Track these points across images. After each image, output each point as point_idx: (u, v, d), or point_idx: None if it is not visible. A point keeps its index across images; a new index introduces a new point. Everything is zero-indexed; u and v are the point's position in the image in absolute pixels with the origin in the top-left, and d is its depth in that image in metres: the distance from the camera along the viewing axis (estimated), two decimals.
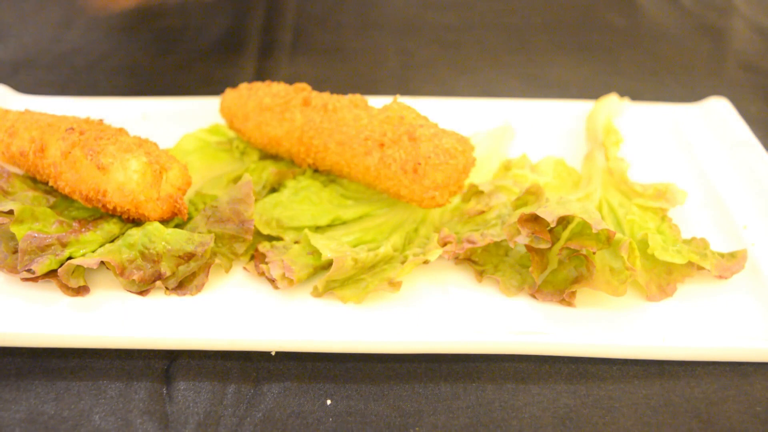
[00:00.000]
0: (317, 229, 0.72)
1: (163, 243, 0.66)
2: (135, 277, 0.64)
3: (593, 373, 0.62)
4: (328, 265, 0.66)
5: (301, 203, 0.73)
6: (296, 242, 0.69)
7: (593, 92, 0.77)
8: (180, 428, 0.57)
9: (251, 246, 0.70)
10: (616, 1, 1.40)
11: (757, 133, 0.90)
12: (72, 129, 0.69)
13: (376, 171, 0.70)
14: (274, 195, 0.74)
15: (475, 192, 0.75)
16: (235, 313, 0.64)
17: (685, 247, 0.69)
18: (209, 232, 0.68)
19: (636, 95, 1.05)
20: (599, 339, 0.62)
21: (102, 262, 0.65)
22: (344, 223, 0.73)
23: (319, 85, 1.11)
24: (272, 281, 0.66)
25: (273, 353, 0.63)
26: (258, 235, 0.71)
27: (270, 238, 0.71)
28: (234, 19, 1.29)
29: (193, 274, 0.66)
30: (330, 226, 0.73)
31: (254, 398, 0.60)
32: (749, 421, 0.59)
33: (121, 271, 0.64)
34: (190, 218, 0.71)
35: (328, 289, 0.66)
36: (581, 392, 0.61)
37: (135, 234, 0.67)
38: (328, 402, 0.60)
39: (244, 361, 0.63)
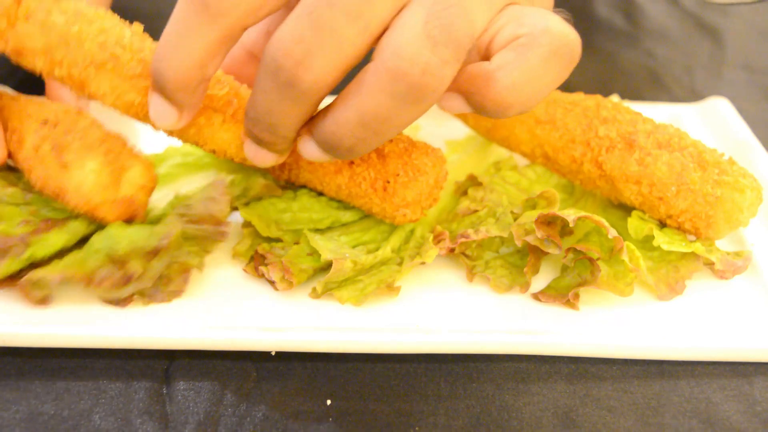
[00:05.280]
0: (316, 231, 0.72)
1: (127, 242, 0.63)
2: (105, 284, 0.61)
3: (593, 373, 0.62)
4: (328, 266, 0.66)
5: (300, 207, 0.73)
6: (296, 243, 0.69)
7: (593, 92, 0.77)
8: (180, 428, 0.57)
9: (251, 247, 0.70)
10: (617, 1, 1.40)
11: (757, 133, 0.90)
12: (46, 122, 0.65)
13: (348, 189, 0.69)
14: (274, 199, 0.74)
15: (474, 183, 0.75)
16: (235, 314, 0.64)
17: (691, 243, 0.69)
18: (182, 232, 0.65)
19: (636, 95, 1.06)
20: (599, 339, 0.62)
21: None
22: (344, 224, 0.73)
23: None
24: (272, 283, 0.66)
25: (273, 353, 0.63)
26: (257, 236, 0.71)
27: (269, 240, 0.71)
28: None
29: (169, 279, 0.64)
30: (329, 228, 0.73)
31: (254, 398, 0.60)
32: (749, 421, 0.59)
33: (89, 281, 0.61)
34: (163, 217, 0.69)
35: (327, 290, 0.66)
36: (581, 392, 0.61)
37: (97, 240, 0.64)
38: (328, 402, 0.60)
39: (244, 361, 0.63)
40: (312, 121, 0.58)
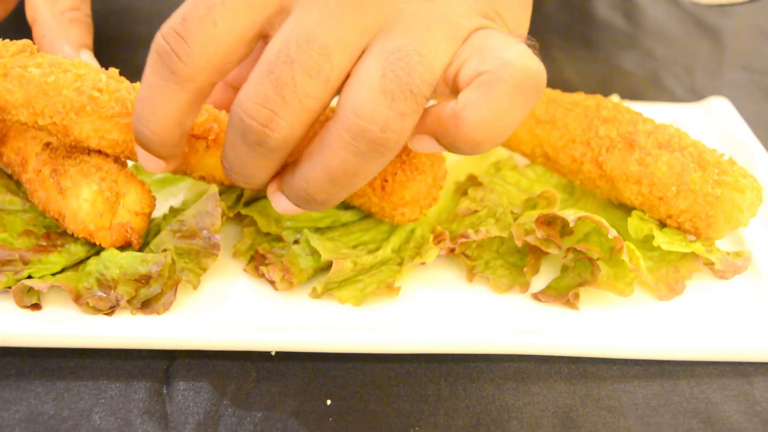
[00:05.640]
0: (316, 230, 0.72)
1: (118, 268, 0.64)
2: (92, 304, 0.62)
3: (593, 373, 0.62)
4: (328, 266, 0.66)
5: None
6: (296, 242, 0.69)
7: (593, 92, 0.77)
8: (180, 428, 0.57)
9: (251, 247, 0.70)
10: (617, 1, 1.40)
11: (757, 133, 0.90)
12: (47, 145, 0.67)
13: None
14: None
15: (474, 183, 0.75)
16: (235, 313, 0.64)
17: (691, 243, 0.69)
18: (175, 248, 0.66)
19: (636, 95, 1.06)
20: (599, 339, 0.62)
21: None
22: (344, 224, 0.73)
23: None
24: (272, 283, 0.66)
25: (273, 353, 0.63)
26: (258, 235, 0.71)
27: (270, 238, 0.71)
28: None
29: (161, 293, 0.64)
30: (329, 227, 0.73)
31: (254, 398, 0.60)
32: (749, 421, 0.59)
33: (77, 298, 0.62)
34: (157, 233, 0.69)
35: (327, 290, 0.66)
36: (581, 392, 0.61)
37: (92, 262, 0.65)
38: (328, 402, 0.60)
39: (244, 361, 0.63)
40: (282, 177, 0.59)
